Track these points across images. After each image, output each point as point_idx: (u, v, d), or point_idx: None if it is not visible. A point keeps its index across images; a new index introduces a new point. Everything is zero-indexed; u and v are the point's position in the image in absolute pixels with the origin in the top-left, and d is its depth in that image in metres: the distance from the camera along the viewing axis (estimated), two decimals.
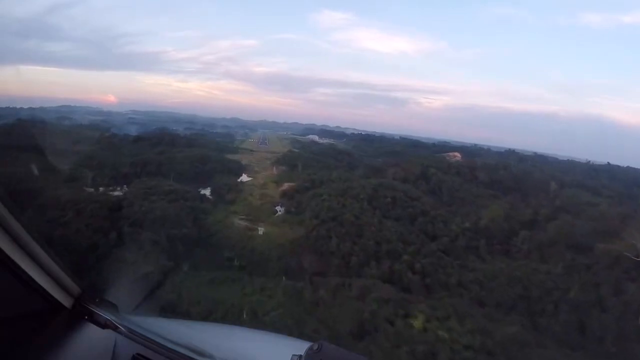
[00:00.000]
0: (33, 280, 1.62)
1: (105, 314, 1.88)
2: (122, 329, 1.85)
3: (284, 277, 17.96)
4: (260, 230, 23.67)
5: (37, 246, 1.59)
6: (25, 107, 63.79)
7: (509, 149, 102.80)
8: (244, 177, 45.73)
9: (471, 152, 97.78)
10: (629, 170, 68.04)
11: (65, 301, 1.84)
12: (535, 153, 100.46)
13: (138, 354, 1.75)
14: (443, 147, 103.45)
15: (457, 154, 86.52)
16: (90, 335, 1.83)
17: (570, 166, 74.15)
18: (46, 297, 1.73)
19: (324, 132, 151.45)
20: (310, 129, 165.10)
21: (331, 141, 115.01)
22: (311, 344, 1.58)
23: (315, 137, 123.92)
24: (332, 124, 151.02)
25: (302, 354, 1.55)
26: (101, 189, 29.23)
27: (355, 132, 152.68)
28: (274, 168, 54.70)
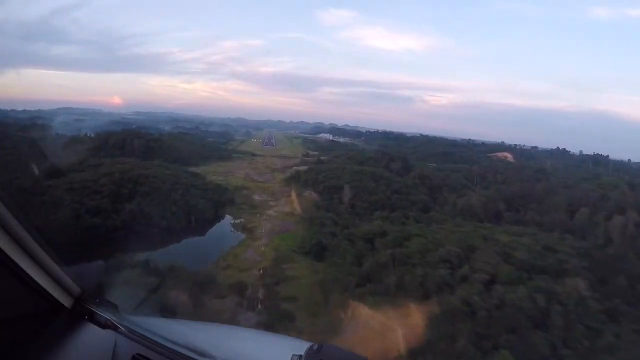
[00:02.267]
0: (33, 280, 1.54)
1: (105, 314, 1.78)
2: (122, 329, 1.75)
3: None
4: None
5: (37, 246, 1.52)
6: (19, 109, 59.74)
7: (559, 149, 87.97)
8: (224, 238, 15.82)
9: (519, 152, 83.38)
10: None
11: (65, 301, 1.75)
12: (580, 152, 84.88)
13: (138, 354, 1.66)
14: (485, 147, 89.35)
15: (507, 154, 74.04)
16: (90, 335, 1.74)
17: None
18: (46, 297, 1.64)
19: (335, 130, 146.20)
20: (319, 128, 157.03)
21: (348, 140, 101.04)
22: (311, 344, 1.50)
23: (328, 136, 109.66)
24: (339, 122, 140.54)
25: (302, 354, 1.47)
26: None
27: (371, 131, 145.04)
28: (294, 195, 23.55)
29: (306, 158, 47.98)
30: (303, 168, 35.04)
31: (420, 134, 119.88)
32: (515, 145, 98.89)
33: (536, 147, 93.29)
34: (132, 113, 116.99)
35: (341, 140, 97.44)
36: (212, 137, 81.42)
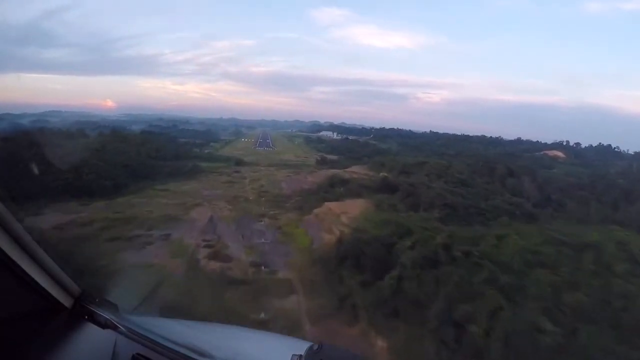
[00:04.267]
0: (33, 280, 1.50)
1: (105, 314, 1.72)
2: (122, 329, 1.68)
3: None
4: None
5: (37, 246, 1.47)
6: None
7: (602, 145, 74.29)
8: None
9: (572, 150, 67.84)
10: None
11: (65, 301, 1.69)
12: (627, 150, 70.31)
13: (138, 354, 1.59)
14: (524, 145, 75.27)
15: (557, 152, 62.84)
16: (90, 335, 1.68)
17: None
18: (46, 297, 1.60)
19: (335, 128, 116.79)
20: (317, 126, 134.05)
21: (357, 138, 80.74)
22: (311, 344, 1.44)
23: (332, 134, 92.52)
24: (335, 121, 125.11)
25: (302, 353, 1.40)
26: None
27: (376, 128, 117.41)
28: None
29: (333, 171, 24.71)
30: (372, 212, 11.78)
31: (430, 131, 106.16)
32: (567, 142, 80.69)
33: (579, 143, 77.11)
34: (121, 115, 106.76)
35: (351, 138, 79.36)
36: (189, 137, 57.57)
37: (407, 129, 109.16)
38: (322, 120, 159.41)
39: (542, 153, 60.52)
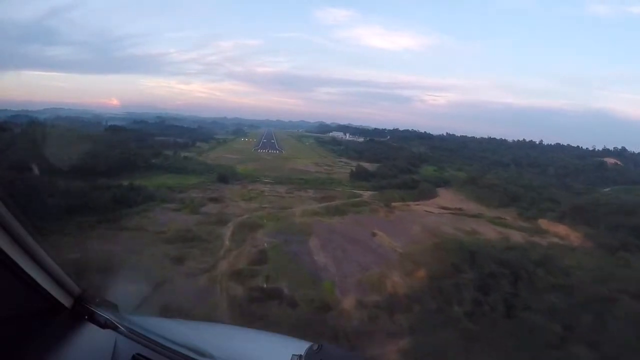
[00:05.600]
0: (33, 280, 1.48)
1: (105, 314, 1.70)
2: (122, 329, 1.67)
3: None
4: None
5: (37, 246, 1.46)
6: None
7: None
8: None
9: (629, 157, 56.70)
10: None
11: (65, 301, 1.67)
12: None
13: (138, 354, 1.58)
14: (567, 151, 63.70)
15: (612, 159, 54.24)
16: (90, 335, 1.66)
17: None
18: (46, 297, 1.58)
19: (342, 128, 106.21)
20: (324, 126, 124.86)
21: (378, 140, 71.56)
22: (311, 344, 1.42)
23: (342, 135, 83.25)
24: (341, 121, 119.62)
25: (302, 353, 1.39)
26: None
27: (389, 129, 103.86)
28: None
29: (428, 213, 14.30)
30: None
31: (447, 133, 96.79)
32: (622, 148, 68.39)
33: (625, 149, 66.06)
34: (123, 113, 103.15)
35: (376, 140, 69.49)
36: (174, 135, 43.88)
37: (418, 130, 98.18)
38: (328, 121, 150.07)
39: (613, 161, 51.48)
